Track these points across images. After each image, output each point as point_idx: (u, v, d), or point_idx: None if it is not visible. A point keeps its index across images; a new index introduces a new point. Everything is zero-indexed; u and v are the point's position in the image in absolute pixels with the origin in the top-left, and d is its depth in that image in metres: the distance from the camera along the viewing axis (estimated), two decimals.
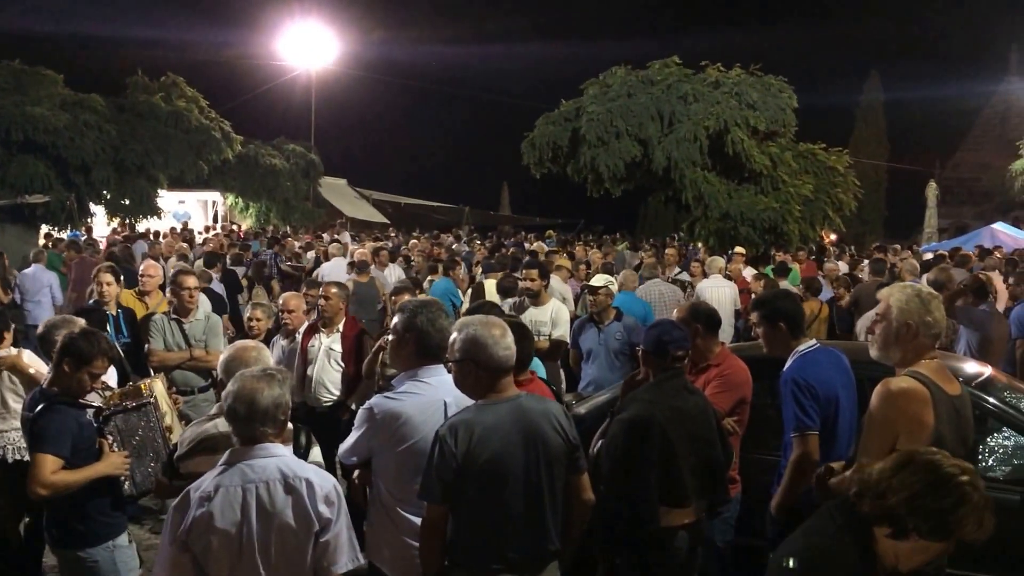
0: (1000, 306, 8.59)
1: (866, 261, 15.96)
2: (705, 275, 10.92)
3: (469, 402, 3.28)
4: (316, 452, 3.55)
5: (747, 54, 18.16)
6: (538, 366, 5.32)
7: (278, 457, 2.85)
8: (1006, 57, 43.74)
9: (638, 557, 3.78)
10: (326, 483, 2.85)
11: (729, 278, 10.97)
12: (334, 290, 6.65)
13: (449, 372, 3.43)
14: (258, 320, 6.76)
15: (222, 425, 3.41)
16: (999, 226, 24.33)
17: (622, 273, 9.66)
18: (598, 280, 7.10)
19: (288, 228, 28.88)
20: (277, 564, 2.76)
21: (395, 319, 3.62)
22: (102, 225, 24.45)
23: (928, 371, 3.25)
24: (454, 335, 3.30)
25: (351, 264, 12.05)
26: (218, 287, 10.08)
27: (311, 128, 33.99)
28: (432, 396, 3.42)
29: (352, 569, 2.90)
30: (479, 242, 22.73)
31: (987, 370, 5.10)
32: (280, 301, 6.96)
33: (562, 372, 7.43)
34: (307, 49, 33.28)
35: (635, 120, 16.94)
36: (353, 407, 5.72)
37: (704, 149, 16.73)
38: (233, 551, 2.71)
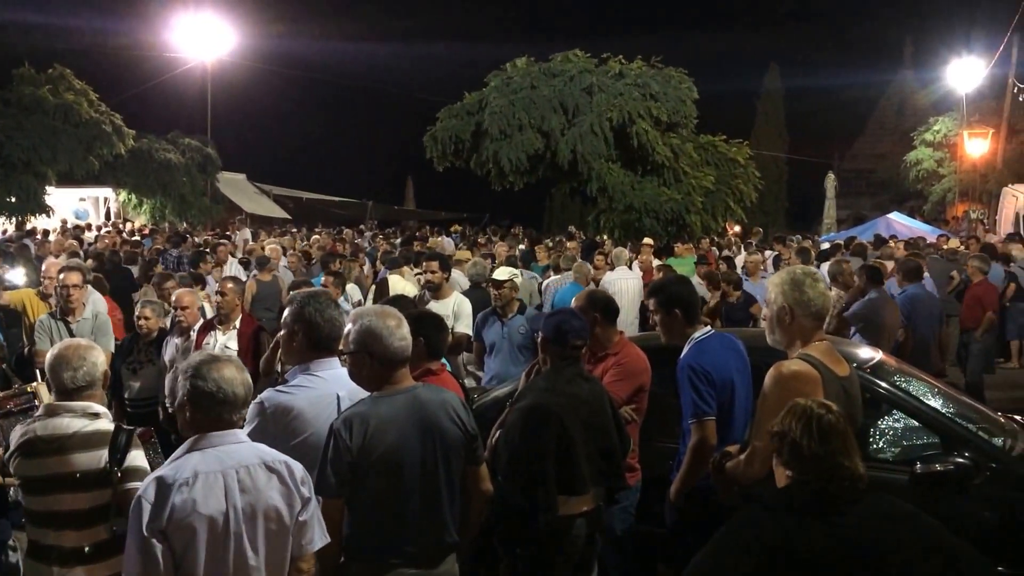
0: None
1: (768, 252, 16.43)
2: (611, 267, 11.03)
3: (363, 394, 3.22)
4: (136, 456, 3.45)
5: (648, 47, 18.48)
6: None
7: (248, 443, 2.80)
8: (901, 50, 45.77)
9: (537, 546, 3.77)
10: (299, 467, 2.83)
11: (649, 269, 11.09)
12: (230, 286, 6.51)
13: (344, 364, 3.36)
14: (147, 319, 6.50)
15: (41, 429, 3.32)
16: (895, 216, 25.34)
17: (575, 265, 9.73)
18: (502, 273, 7.07)
19: (185, 224, 28.03)
20: (262, 547, 2.72)
21: (284, 313, 3.52)
22: None
23: (818, 353, 3.33)
24: (349, 326, 3.24)
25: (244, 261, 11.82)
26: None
27: (207, 122, 32.98)
28: (325, 389, 3.34)
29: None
30: (382, 237, 22.49)
31: (878, 355, 5.27)
32: (173, 298, 6.74)
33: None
34: (203, 40, 32.19)
35: (538, 112, 17.02)
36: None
37: (608, 141, 16.92)
38: (218, 537, 2.64)
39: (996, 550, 3.60)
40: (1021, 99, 25.71)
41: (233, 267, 12.40)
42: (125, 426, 3.57)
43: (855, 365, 4.89)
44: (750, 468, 3.30)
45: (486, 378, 6.83)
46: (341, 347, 3.31)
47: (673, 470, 4.12)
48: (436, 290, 7.28)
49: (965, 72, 29.37)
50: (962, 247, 15.42)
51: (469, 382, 7.06)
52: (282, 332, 3.53)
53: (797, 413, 2.55)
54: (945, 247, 15.36)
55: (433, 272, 7.28)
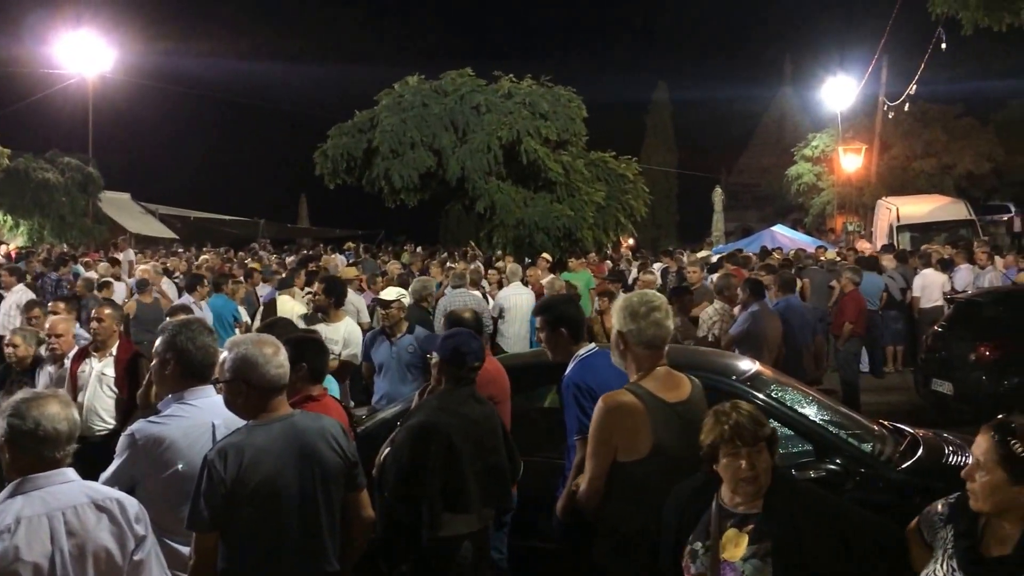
0: None
1: (656, 265, 16.83)
2: (502, 284, 11.10)
3: (240, 423, 3.14)
4: None
5: (538, 65, 18.74)
6: (333, 387, 5.20)
7: (77, 481, 2.68)
8: (781, 68, 47.64)
9: (422, 564, 3.76)
10: (133, 502, 2.74)
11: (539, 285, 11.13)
12: (107, 311, 6.25)
13: (219, 393, 3.27)
14: (15, 347, 6.19)
15: None
16: (778, 228, 26.28)
17: (545, 281, 9.69)
18: (389, 293, 7.03)
19: (65, 246, 26.86)
20: None
21: (156, 341, 3.42)
22: None
23: (652, 381, 3.43)
24: (224, 354, 3.16)
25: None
26: None
27: (89, 140, 31.71)
28: (199, 419, 3.26)
29: None
30: (275, 256, 22.03)
31: (755, 366, 5.45)
32: (47, 325, 6.45)
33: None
34: (84, 56, 30.94)
35: (429, 130, 17.05)
36: None
37: (498, 159, 17.06)
38: None
39: None
40: (891, 116, 27.08)
41: (120, 290, 11.97)
42: None
43: (733, 377, 5.09)
44: (588, 494, 3.41)
45: (375, 398, 6.77)
46: (216, 375, 3.22)
47: (559, 486, 4.16)
48: (324, 313, 7.20)
49: (839, 90, 30.79)
50: (840, 258, 16.11)
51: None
52: (154, 361, 3.42)
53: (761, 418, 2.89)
54: (823, 258, 16.03)
55: (317, 296, 7.20)
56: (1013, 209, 27.43)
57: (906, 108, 24.25)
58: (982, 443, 2.40)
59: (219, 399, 3.24)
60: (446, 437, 3.84)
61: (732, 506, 2.84)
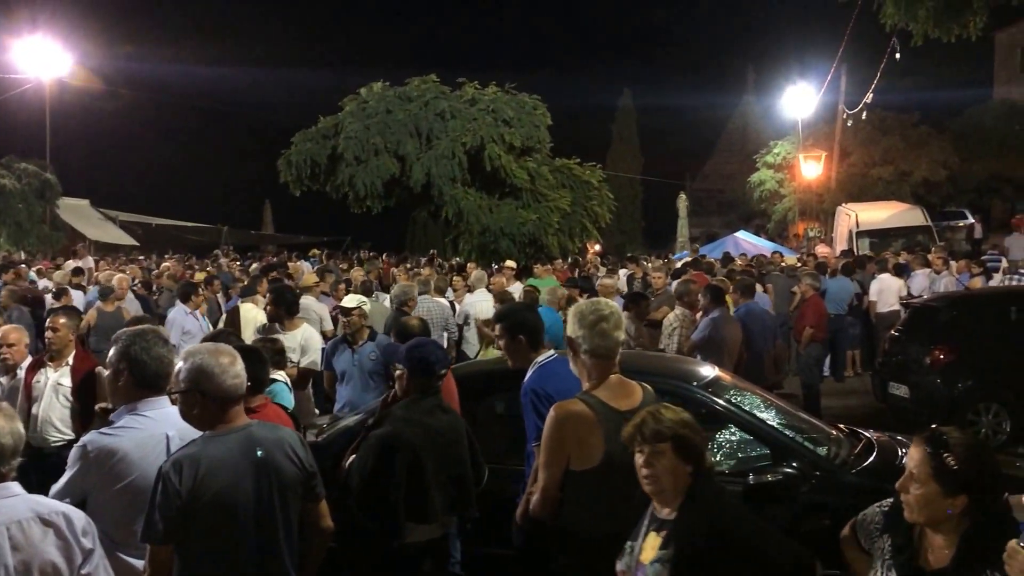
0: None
1: (622, 271, 16.92)
2: (469, 290, 11.08)
3: (195, 434, 3.11)
4: None
5: (504, 73, 18.84)
6: (284, 395, 5.15)
7: (22, 496, 2.63)
8: (744, 77, 48.25)
9: (384, 573, 3.76)
10: (80, 515, 2.69)
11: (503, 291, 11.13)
12: (62, 320, 6.15)
13: (174, 403, 3.25)
14: None
15: None
16: (741, 234, 26.60)
17: (547, 289, 9.67)
18: (350, 301, 7.01)
19: (22, 254, 26.40)
20: None
21: (110, 352, 3.38)
22: None
23: (604, 390, 3.46)
24: (179, 364, 3.13)
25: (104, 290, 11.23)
26: None
27: (47, 145, 31.19)
28: (153, 430, 3.23)
29: None
30: (239, 263, 21.82)
31: (714, 372, 5.52)
32: None
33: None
34: (40, 61, 30.43)
35: (394, 137, 17.03)
36: None
37: (463, 165, 17.08)
38: None
39: (823, 554, 3.82)
40: (850, 124, 27.50)
41: (77, 297, 11.81)
42: None
43: (694, 383, 5.14)
44: (542, 503, 3.44)
45: (338, 406, 6.75)
46: (171, 386, 3.19)
47: (519, 493, 4.18)
48: (278, 321, 7.20)
49: (799, 99, 31.21)
50: (800, 264, 16.32)
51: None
52: (107, 372, 3.38)
53: (680, 421, 2.85)
54: (784, 263, 16.22)
55: (267, 307, 7.30)
56: (970, 216, 27.99)
57: (863, 116, 24.65)
58: (915, 455, 2.41)
59: (173, 410, 3.22)
60: (410, 447, 3.85)
61: (657, 510, 2.87)
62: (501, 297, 9.65)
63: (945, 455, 2.34)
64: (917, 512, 2.40)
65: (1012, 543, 2.09)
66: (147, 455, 3.17)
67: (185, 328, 8.87)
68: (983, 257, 15.73)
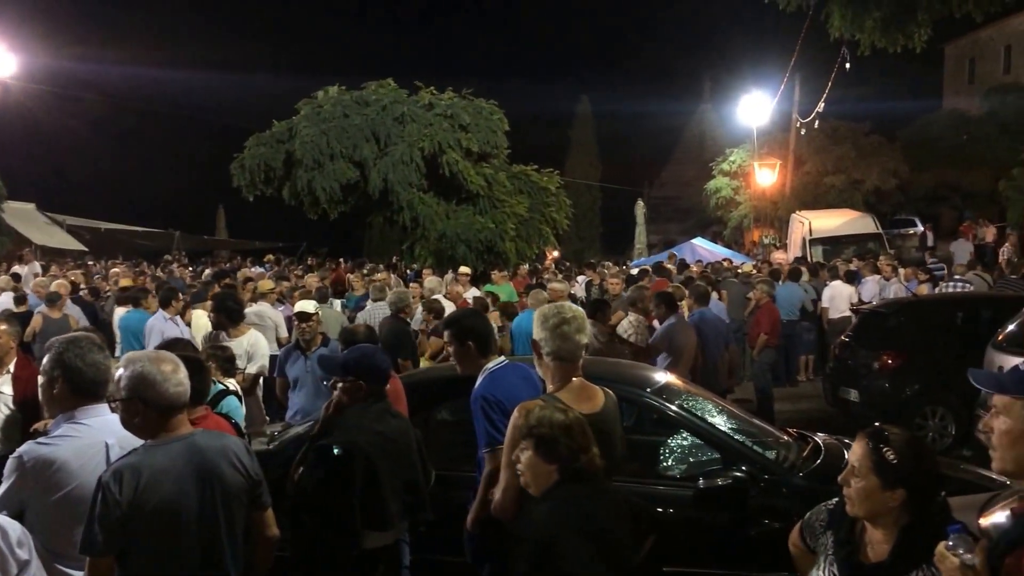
0: None
1: (580, 277, 16.99)
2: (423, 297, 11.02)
3: (136, 442, 3.05)
4: None
5: (461, 78, 18.78)
6: (236, 411, 5.06)
7: None
8: (701, 85, 48.75)
9: None
10: (15, 526, 2.61)
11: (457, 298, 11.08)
12: (3, 327, 6.01)
13: (114, 411, 3.17)
14: None
15: None
16: (698, 241, 26.83)
17: (532, 293, 9.58)
18: (307, 307, 6.95)
19: None
20: None
21: (44, 360, 3.30)
22: None
23: (567, 393, 3.48)
24: (120, 371, 3.06)
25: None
26: None
27: None
28: (92, 438, 3.16)
29: None
30: (189, 268, 21.52)
31: (666, 377, 5.56)
32: None
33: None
34: None
35: (350, 142, 16.90)
36: None
37: (420, 170, 17.02)
38: None
39: (771, 556, 3.86)
40: (804, 133, 27.91)
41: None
42: None
43: (648, 389, 5.17)
44: (503, 504, 3.46)
45: (290, 413, 6.69)
46: (111, 394, 3.12)
47: (470, 499, 4.16)
48: (223, 328, 7.14)
49: (755, 107, 31.61)
50: (755, 270, 16.52)
51: None
52: (41, 380, 3.29)
53: (547, 420, 2.88)
54: (739, 270, 16.41)
55: (209, 314, 7.26)
56: (920, 224, 28.56)
57: (816, 125, 25.04)
58: (857, 450, 2.49)
59: (113, 417, 3.14)
60: (364, 455, 3.83)
61: None
62: (429, 306, 9.48)
63: (885, 449, 2.41)
64: (858, 505, 2.46)
65: (940, 547, 2.13)
66: (86, 464, 3.10)
67: (165, 334, 8.71)
68: (927, 265, 16.07)
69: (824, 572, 2.56)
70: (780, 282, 13.32)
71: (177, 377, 3.04)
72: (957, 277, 13.29)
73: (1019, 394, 2.15)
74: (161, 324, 8.72)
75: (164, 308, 8.92)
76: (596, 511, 2.84)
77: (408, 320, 9.05)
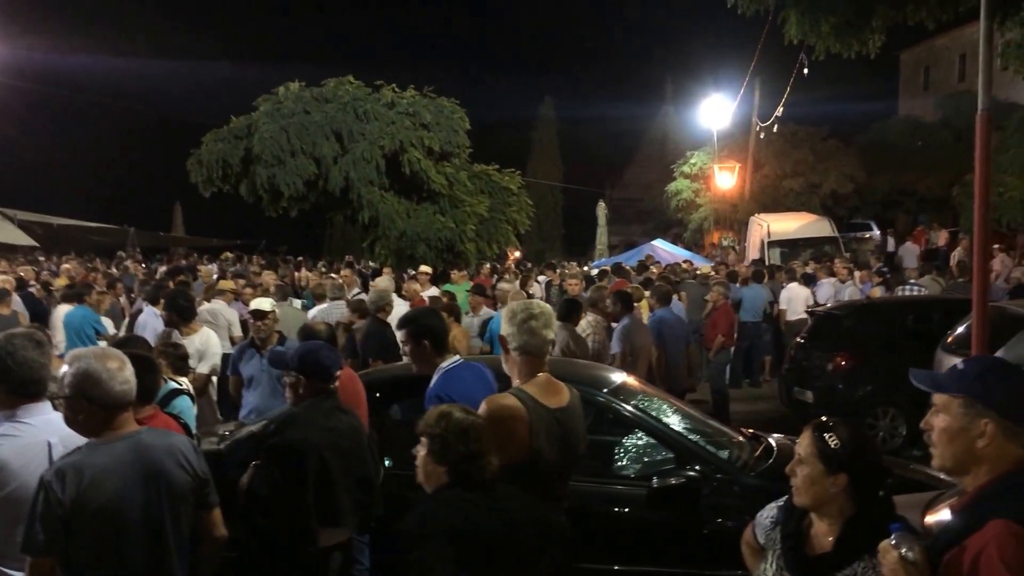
0: None
1: (540, 278, 16.99)
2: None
3: (80, 440, 2.99)
4: None
5: (423, 77, 18.75)
6: (187, 413, 4.98)
7: None
8: (663, 87, 49.10)
9: None
10: None
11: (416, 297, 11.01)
12: None
13: (58, 409, 3.11)
14: None
15: None
16: (658, 243, 27.02)
17: (513, 291, 9.49)
18: (263, 304, 6.87)
19: None
20: None
21: None
22: None
23: (534, 386, 3.47)
24: (64, 368, 3.00)
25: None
26: None
27: None
28: (34, 437, 3.09)
29: None
30: (143, 265, 21.19)
31: (622, 378, 5.58)
32: None
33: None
34: None
35: (310, 139, 16.77)
36: None
37: (381, 168, 16.95)
38: None
39: (723, 554, 3.88)
40: (763, 137, 28.21)
41: None
42: None
43: (605, 389, 5.18)
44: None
45: (244, 411, 6.60)
46: (56, 391, 3.05)
47: None
48: (175, 326, 7.07)
49: (715, 110, 31.89)
50: (714, 272, 16.65)
51: None
52: None
53: (444, 420, 2.89)
54: (698, 272, 16.54)
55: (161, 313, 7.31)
56: (875, 227, 29.03)
57: (775, 129, 25.33)
58: (803, 440, 2.54)
59: (57, 416, 3.09)
60: (317, 452, 3.83)
61: None
62: (355, 307, 9.24)
63: (828, 436, 2.47)
64: (803, 493, 2.49)
65: (883, 543, 2.16)
66: (28, 463, 3.03)
67: (157, 330, 8.57)
68: (875, 269, 16.34)
69: (772, 565, 2.60)
70: (738, 284, 13.47)
71: (123, 375, 2.99)
72: (912, 281, 13.52)
73: (956, 392, 2.19)
74: (152, 320, 8.60)
75: (153, 304, 8.79)
76: (477, 518, 2.78)
77: (386, 320, 8.94)
